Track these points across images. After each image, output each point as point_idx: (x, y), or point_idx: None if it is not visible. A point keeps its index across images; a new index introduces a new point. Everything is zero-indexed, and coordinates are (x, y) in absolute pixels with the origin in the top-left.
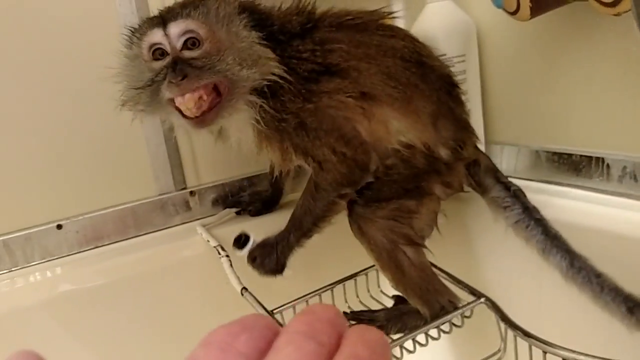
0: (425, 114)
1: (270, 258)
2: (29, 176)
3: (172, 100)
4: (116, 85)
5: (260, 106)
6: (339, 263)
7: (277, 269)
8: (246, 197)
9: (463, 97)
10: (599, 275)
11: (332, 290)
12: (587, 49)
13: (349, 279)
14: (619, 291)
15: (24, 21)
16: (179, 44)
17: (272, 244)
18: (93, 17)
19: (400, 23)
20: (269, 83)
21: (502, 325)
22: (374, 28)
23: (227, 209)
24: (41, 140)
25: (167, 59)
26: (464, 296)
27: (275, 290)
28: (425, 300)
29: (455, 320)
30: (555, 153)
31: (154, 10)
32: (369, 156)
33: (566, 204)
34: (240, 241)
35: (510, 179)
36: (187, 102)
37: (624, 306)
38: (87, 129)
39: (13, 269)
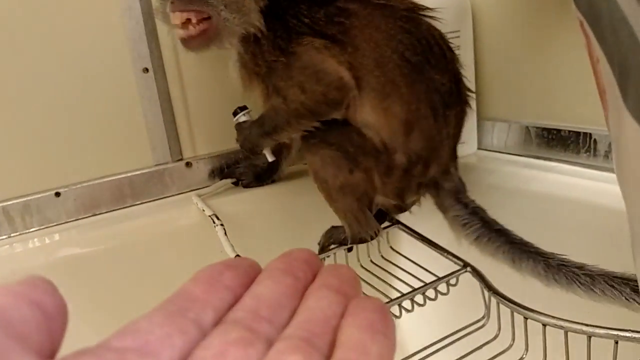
0: (397, 119)
1: (240, 137)
2: (28, 144)
3: None
4: (113, 50)
5: (241, 48)
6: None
7: (245, 148)
8: (241, 169)
9: (462, 121)
10: (581, 267)
11: (324, 260)
12: (577, 27)
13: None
14: (612, 275)
15: None
16: None
17: (244, 128)
18: None
19: None
20: (253, 34)
21: (486, 293)
22: (398, 16)
23: (223, 180)
24: (40, 108)
25: None
26: (450, 265)
27: (268, 259)
28: (349, 224)
29: (440, 288)
30: (544, 129)
31: None
32: (342, 94)
33: (555, 178)
34: (237, 110)
35: (500, 154)
36: (175, 18)
37: (627, 288)
38: (86, 98)
39: (12, 235)
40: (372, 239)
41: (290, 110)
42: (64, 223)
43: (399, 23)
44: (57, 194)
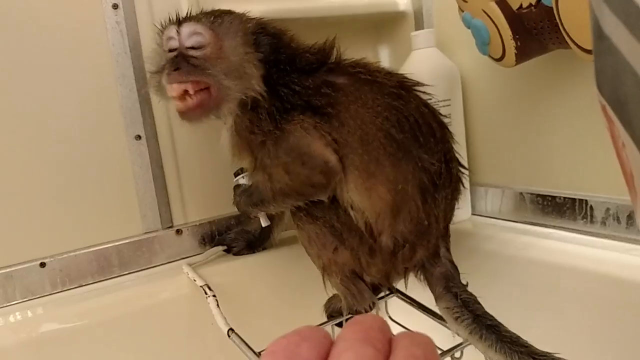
0: (382, 200)
1: (235, 201)
2: (13, 213)
3: None
4: (106, 117)
5: (237, 115)
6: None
7: (240, 211)
8: (232, 235)
9: (454, 202)
10: None
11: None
12: (570, 93)
13: (336, 320)
14: None
15: (16, 55)
16: (187, 43)
17: (237, 194)
18: (82, 44)
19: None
20: (251, 99)
21: None
22: (386, 93)
23: (214, 248)
24: (28, 174)
25: (175, 53)
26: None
27: (262, 331)
28: (342, 294)
29: None
30: (539, 195)
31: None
32: (328, 178)
33: (551, 245)
34: (237, 172)
35: (494, 220)
36: (173, 90)
37: None
38: (76, 165)
39: None
40: (366, 311)
41: (274, 188)
42: (48, 295)
43: (387, 100)
44: (42, 265)
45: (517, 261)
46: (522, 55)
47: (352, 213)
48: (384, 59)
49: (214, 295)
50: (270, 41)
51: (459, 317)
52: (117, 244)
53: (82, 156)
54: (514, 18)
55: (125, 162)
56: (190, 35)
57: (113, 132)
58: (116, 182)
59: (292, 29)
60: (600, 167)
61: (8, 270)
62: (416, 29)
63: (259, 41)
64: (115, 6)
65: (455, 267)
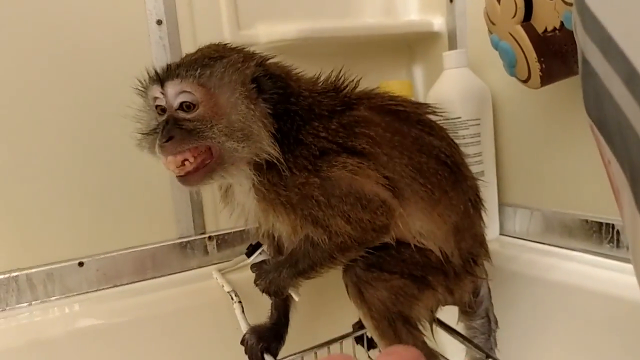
0: (449, 223)
1: (263, 280)
2: (55, 214)
3: None
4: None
5: (255, 176)
6: (349, 315)
7: (269, 292)
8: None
9: (483, 214)
10: None
11: (341, 343)
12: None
13: (358, 332)
14: None
15: (66, 70)
16: (175, 103)
17: (267, 270)
18: (127, 58)
19: (419, 87)
20: (265, 160)
21: None
22: (415, 120)
23: (243, 255)
24: (68, 179)
25: (165, 116)
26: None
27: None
28: None
29: None
30: (566, 217)
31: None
32: (389, 217)
33: (575, 268)
34: (250, 249)
35: (522, 241)
36: (169, 164)
37: None
38: (115, 170)
39: (33, 303)
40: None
41: (335, 242)
42: (85, 293)
43: (419, 127)
44: (81, 264)
45: (539, 282)
46: (548, 77)
47: (424, 243)
48: (417, 77)
49: (240, 302)
50: (275, 85)
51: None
52: (152, 247)
53: (124, 163)
54: (539, 41)
55: (164, 171)
56: (178, 95)
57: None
58: (154, 188)
59: (328, 48)
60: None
61: (48, 268)
62: (449, 49)
63: (262, 87)
64: (159, 22)
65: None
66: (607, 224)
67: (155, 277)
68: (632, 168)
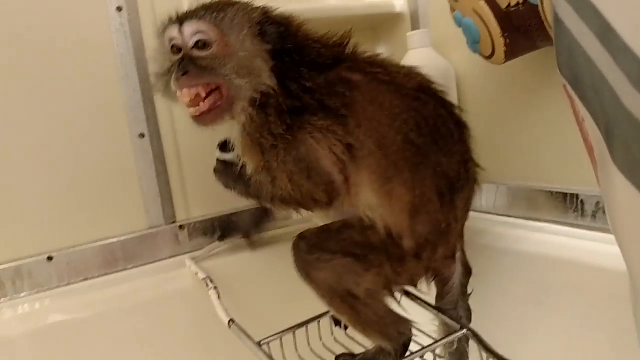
0: (401, 202)
1: (222, 180)
2: (21, 208)
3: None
4: (110, 116)
5: (249, 115)
6: None
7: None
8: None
9: (471, 202)
10: None
11: (318, 322)
12: (559, 90)
13: None
14: None
15: (25, 57)
16: (190, 43)
17: (227, 176)
18: (87, 46)
19: None
20: (261, 96)
21: (484, 354)
22: (405, 93)
23: (216, 243)
24: (35, 172)
25: (180, 55)
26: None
27: (262, 322)
28: (384, 335)
29: (438, 351)
30: (532, 190)
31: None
32: (330, 197)
33: (544, 239)
34: (220, 145)
35: (489, 215)
36: (184, 96)
37: None
38: (82, 163)
39: (2, 300)
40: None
41: (275, 193)
42: (55, 288)
43: (406, 101)
44: (50, 258)
45: (509, 254)
46: (511, 52)
47: (370, 215)
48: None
49: (215, 288)
50: (277, 30)
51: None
52: (122, 238)
53: (88, 154)
54: (503, 16)
55: (130, 160)
56: (194, 35)
57: (117, 131)
58: (121, 178)
59: None
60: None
61: (17, 264)
62: (412, 30)
63: (265, 31)
64: (119, 9)
65: (468, 270)
66: (572, 195)
67: (126, 269)
68: (606, 123)
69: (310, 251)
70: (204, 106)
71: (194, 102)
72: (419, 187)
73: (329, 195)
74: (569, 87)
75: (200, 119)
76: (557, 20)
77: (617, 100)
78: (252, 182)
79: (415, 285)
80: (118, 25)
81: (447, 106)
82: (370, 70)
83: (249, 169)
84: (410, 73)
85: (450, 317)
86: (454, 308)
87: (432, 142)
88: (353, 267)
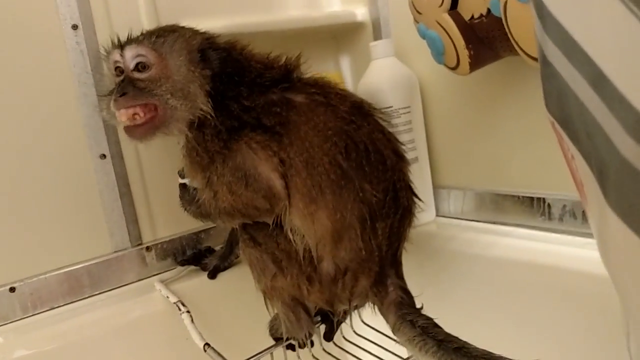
0: (323, 226)
1: (183, 202)
2: None
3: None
4: (69, 138)
5: (187, 136)
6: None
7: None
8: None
9: (402, 231)
10: None
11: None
12: (523, 96)
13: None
14: None
15: None
16: (131, 65)
17: (185, 199)
18: (43, 65)
19: (348, 79)
20: (198, 118)
21: None
22: (340, 116)
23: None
24: None
25: (122, 77)
26: None
27: (237, 344)
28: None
29: None
30: (499, 195)
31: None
32: (271, 204)
33: (512, 243)
34: (180, 170)
35: (458, 221)
36: (122, 116)
37: None
38: (41, 187)
39: None
40: (300, 344)
41: (219, 207)
42: (19, 320)
43: (339, 123)
44: (12, 289)
45: (479, 260)
46: (476, 63)
47: (291, 236)
48: (345, 69)
49: (188, 311)
50: (219, 55)
51: (422, 346)
52: (86, 264)
53: (47, 177)
54: (467, 28)
55: (91, 182)
56: (134, 58)
57: (77, 152)
58: (83, 202)
59: (253, 43)
60: (556, 166)
61: None
62: (375, 39)
63: (207, 57)
64: (74, 27)
65: (408, 293)
66: (538, 198)
67: (93, 295)
68: (599, 165)
69: (245, 231)
70: (139, 119)
71: (131, 120)
72: (340, 212)
73: (269, 202)
74: (557, 126)
75: (132, 131)
76: (545, 62)
77: (612, 146)
78: (200, 201)
79: (334, 309)
80: (74, 44)
81: (385, 131)
82: (310, 91)
83: (198, 189)
84: (347, 95)
85: None
86: (417, 336)
87: (359, 167)
88: (268, 264)
